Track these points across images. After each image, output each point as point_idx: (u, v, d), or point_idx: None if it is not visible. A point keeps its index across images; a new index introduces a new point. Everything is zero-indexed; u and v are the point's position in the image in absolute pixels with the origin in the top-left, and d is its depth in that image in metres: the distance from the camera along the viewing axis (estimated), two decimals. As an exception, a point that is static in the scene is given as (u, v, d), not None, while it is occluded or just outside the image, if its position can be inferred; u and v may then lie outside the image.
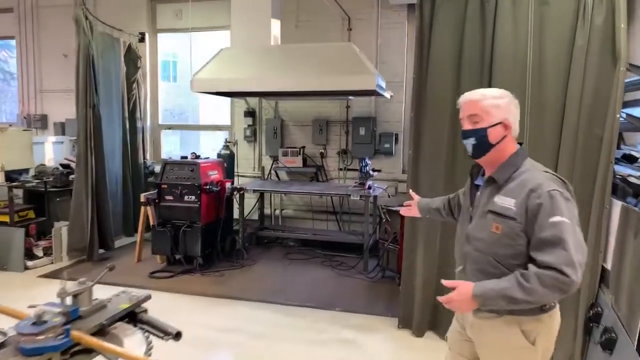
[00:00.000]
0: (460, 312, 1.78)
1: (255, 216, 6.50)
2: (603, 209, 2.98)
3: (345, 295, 4.57)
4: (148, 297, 2.07)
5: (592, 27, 3.06)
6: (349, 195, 5.31)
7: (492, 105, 1.76)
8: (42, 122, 7.45)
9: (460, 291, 1.67)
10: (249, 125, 6.59)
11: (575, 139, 3.13)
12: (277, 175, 6.53)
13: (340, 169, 6.37)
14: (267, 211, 6.60)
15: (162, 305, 4.35)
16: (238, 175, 6.47)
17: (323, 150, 6.38)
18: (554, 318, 1.78)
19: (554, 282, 1.54)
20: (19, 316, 1.67)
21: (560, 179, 1.71)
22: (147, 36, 6.92)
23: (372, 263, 5.27)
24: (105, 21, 6.41)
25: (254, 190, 5.70)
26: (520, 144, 1.82)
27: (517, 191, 1.68)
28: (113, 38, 6.25)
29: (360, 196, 5.23)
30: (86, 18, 5.14)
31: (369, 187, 5.37)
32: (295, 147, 6.27)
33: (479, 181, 1.90)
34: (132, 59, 6.62)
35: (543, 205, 1.61)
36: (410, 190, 2.55)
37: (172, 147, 8.09)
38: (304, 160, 6.26)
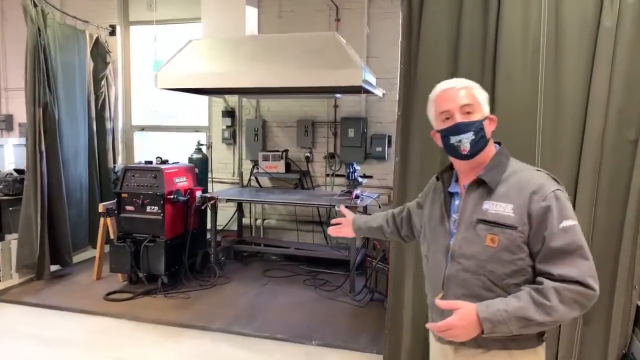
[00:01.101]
0: (460, 340, 1.41)
1: (235, 227, 5.89)
2: (637, 236, 2.35)
3: (326, 324, 3.93)
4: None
5: (622, 5, 2.44)
6: (333, 205, 4.69)
7: (480, 95, 1.51)
8: (7, 122, 6.86)
9: (464, 314, 1.35)
10: (227, 127, 5.98)
11: (600, 144, 2.50)
12: (257, 182, 5.91)
13: (328, 175, 5.75)
14: (248, 221, 5.99)
15: (109, 336, 3.71)
16: (213, 182, 5.86)
17: (309, 154, 5.75)
18: (544, 348, 1.52)
19: (576, 297, 1.33)
20: None
21: (553, 178, 1.48)
22: (118, 29, 6.33)
23: (361, 282, 4.65)
24: (76, 14, 5.85)
25: (227, 200, 5.07)
26: (499, 143, 1.58)
27: (513, 195, 1.43)
28: (77, 30, 5.66)
29: (346, 207, 4.59)
30: (35, 5, 4.53)
31: (357, 196, 4.75)
32: (277, 151, 5.65)
33: (454, 188, 1.60)
34: (101, 54, 6.03)
35: (551, 209, 1.38)
36: (342, 206, 2.18)
37: (162, 149, 7.32)
38: (287, 165, 5.64)
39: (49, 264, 4.76)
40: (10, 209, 5.14)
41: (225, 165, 6.10)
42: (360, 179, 4.95)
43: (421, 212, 1.77)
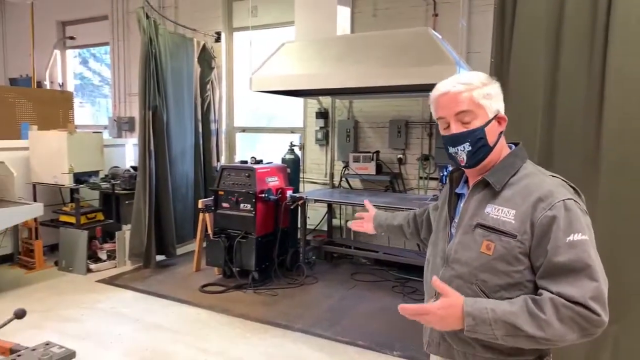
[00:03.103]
0: (438, 328, 1.34)
1: (326, 227, 5.90)
2: None
3: (410, 335, 3.72)
4: (70, 356, 1.56)
5: None
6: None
7: (483, 95, 1.36)
8: (129, 124, 7.67)
9: (449, 304, 1.25)
10: (321, 127, 6.01)
11: None
12: (348, 183, 5.85)
13: (421, 178, 5.50)
14: (338, 222, 5.96)
15: (199, 327, 3.90)
16: (304, 182, 5.93)
17: (401, 156, 5.56)
18: None
19: (576, 317, 1.18)
20: None
21: (572, 186, 1.36)
22: (223, 36, 6.71)
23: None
24: (187, 22, 6.35)
25: (316, 200, 5.10)
26: (516, 143, 1.46)
27: (518, 200, 1.31)
28: (185, 38, 6.11)
29: (437, 212, 4.34)
30: (147, 16, 4.97)
31: (449, 202, 4.45)
32: (368, 152, 5.54)
33: (461, 189, 1.51)
34: (207, 59, 6.45)
35: (557, 219, 1.24)
36: (366, 201, 2.08)
37: (261, 149, 7.65)
38: (378, 167, 5.50)
39: (155, 254, 5.19)
40: (127, 202, 5.70)
41: (318, 165, 6.15)
42: (454, 183, 4.64)
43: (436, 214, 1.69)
